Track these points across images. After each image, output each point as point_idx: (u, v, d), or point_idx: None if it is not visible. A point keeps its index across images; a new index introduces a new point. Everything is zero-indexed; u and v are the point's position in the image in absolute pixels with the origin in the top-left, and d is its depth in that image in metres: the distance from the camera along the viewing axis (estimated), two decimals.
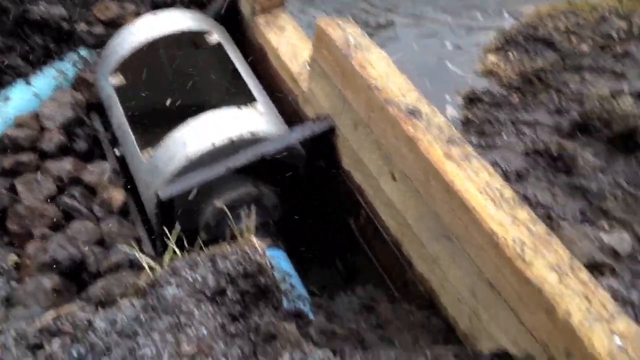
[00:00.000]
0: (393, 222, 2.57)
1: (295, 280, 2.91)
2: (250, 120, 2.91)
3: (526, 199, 2.29)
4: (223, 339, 2.01)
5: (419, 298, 2.53)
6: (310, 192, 3.18)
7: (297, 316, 2.62)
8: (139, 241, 3.03)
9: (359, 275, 3.07)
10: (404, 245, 2.53)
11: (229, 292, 2.13)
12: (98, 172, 3.22)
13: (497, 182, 2.10)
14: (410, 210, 2.39)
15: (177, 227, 2.23)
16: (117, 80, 3.32)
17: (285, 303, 2.84)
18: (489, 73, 3.98)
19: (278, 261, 2.92)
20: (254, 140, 2.81)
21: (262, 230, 3.02)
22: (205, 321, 2.00)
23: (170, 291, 2.04)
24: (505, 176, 2.30)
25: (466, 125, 3.49)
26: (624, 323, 1.74)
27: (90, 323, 1.89)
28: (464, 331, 2.26)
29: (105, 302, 2.62)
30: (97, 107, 3.56)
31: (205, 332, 1.96)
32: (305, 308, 2.83)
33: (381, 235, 2.68)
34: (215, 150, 2.75)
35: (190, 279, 2.11)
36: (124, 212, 3.14)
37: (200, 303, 2.04)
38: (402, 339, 2.44)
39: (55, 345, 1.83)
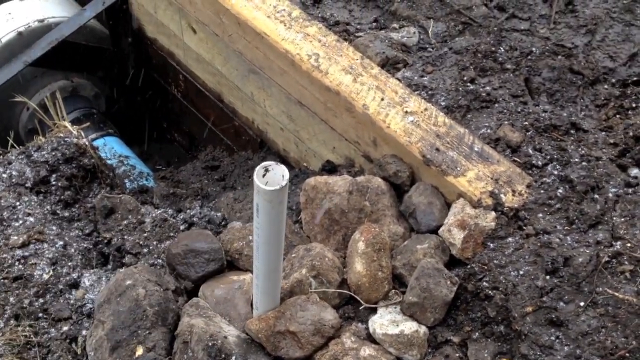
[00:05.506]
0: (208, 75, 2.57)
1: (134, 160, 2.89)
2: (36, 8, 2.71)
3: (324, 20, 2.35)
4: (57, 224, 2.00)
5: (251, 142, 2.60)
6: (128, 74, 3.08)
7: (144, 192, 2.64)
8: None
9: (198, 140, 3.09)
10: (224, 95, 2.56)
11: (53, 180, 2.09)
12: None
13: (284, 4, 2.13)
14: (216, 58, 2.39)
15: None
16: None
17: (128, 184, 2.84)
18: None
19: (112, 146, 2.87)
20: (45, 28, 2.64)
21: (88, 121, 2.92)
22: (31, 211, 1.97)
23: None
24: (302, 3, 2.34)
25: None
26: (414, 103, 1.90)
27: None
28: (295, 157, 2.38)
29: None
30: None
31: (32, 220, 1.94)
32: (149, 183, 2.84)
33: (203, 93, 2.69)
34: (3, 47, 2.56)
35: (5, 175, 2.04)
36: None
37: (22, 196, 2.00)
38: (243, 183, 2.54)
39: None
